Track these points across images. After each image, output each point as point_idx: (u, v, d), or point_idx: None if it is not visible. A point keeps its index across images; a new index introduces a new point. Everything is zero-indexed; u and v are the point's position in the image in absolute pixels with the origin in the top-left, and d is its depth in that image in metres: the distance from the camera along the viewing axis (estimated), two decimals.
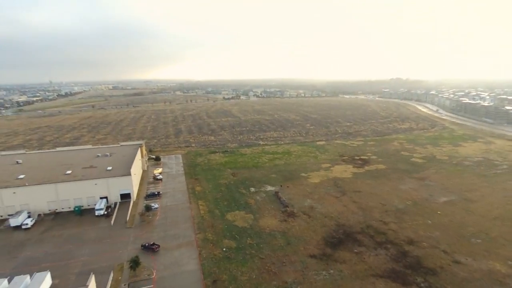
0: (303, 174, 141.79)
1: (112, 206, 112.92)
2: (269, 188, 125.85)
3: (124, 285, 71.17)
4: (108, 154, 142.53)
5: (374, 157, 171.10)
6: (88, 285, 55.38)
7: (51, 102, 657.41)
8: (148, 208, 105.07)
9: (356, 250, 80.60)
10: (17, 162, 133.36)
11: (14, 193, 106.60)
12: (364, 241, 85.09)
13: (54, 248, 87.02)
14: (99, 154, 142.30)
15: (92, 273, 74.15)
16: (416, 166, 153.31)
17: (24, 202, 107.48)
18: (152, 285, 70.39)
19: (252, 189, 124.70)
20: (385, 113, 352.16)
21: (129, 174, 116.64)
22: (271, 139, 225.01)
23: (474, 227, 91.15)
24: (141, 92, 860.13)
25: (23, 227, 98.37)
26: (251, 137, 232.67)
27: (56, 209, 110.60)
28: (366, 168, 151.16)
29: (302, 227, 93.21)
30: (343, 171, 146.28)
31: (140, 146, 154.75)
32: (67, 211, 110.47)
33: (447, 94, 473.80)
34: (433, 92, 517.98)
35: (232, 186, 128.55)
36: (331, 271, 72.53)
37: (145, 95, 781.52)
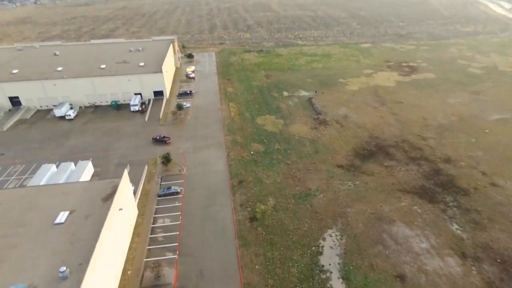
0: (341, 80, 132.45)
1: (146, 102, 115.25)
2: (303, 93, 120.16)
3: (158, 177, 76.45)
4: (140, 49, 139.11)
5: (424, 64, 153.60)
6: (121, 178, 59.31)
7: None
8: (180, 107, 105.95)
9: (386, 164, 78.24)
10: (54, 53, 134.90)
11: (54, 85, 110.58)
12: (397, 155, 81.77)
13: (95, 139, 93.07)
14: (132, 49, 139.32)
15: (128, 165, 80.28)
16: (472, 77, 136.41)
17: (65, 94, 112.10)
18: (182, 180, 74.92)
19: (285, 93, 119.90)
20: (448, 13, 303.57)
21: (161, 72, 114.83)
22: (311, 38, 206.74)
23: None
24: None
25: (67, 117, 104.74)
26: (290, 35, 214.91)
27: (95, 103, 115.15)
28: (413, 76, 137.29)
29: (332, 136, 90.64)
30: (386, 78, 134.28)
31: (172, 41, 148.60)
32: (105, 105, 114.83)
33: None
34: None
35: (264, 89, 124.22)
36: (357, 182, 72.05)
37: None
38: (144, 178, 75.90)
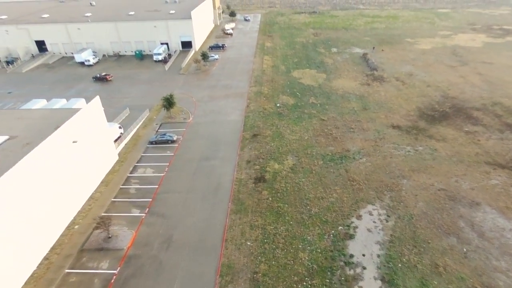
0: (408, 40, 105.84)
1: (173, 53, 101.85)
2: (357, 50, 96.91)
3: (156, 124, 61.82)
4: (176, 0, 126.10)
5: None
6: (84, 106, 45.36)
7: None
8: (204, 56, 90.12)
9: (467, 129, 54.25)
10: (90, 3, 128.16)
11: (78, 29, 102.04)
12: (485, 119, 56.93)
13: (106, 85, 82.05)
14: (168, 0, 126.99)
15: (127, 108, 67.02)
16: None
17: (89, 40, 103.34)
18: (184, 129, 59.30)
19: (334, 50, 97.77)
20: None
21: (190, 18, 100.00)
22: (376, 4, 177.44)
23: None
24: None
25: (86, 63, 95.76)
26: (350, 0, 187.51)
27: (120, 52, 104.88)
28: (508, 38, 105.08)
29: (389, 94, 67.91)
30: (470, 39, 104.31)
31: None
32: (130, 55, 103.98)
33: None
34: None
35: (309, 45, 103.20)
36: (420, 148, 49.76)
37: None
38: (140, 123, 61.84)
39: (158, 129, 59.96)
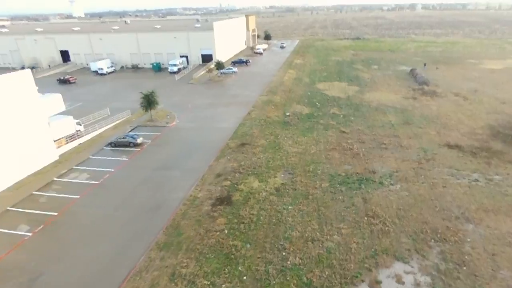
0: (471, 61, 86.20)
1: (190, 67, 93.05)
2: (403, 67, 79.64)
3: (130, 126, 49.60)
4: (208, 20, 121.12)
5: None
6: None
7: None
8: (219, 65, 79.26)
9: None
10: (125, 22, 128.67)
11: (100, 39, 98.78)
12: None
13: (107, 90, 74.48)
14: (199, 19, 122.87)
15: (107, 108, 56.31)
16: None
17: (110, 51, 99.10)
18: (159, 133, 46.08)
19: (375, 67, 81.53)
20: None
21: (212, 29, 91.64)
22: (431, 34, 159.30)
23: None
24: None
25: (99, 71, 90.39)
26: (401, 32, 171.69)
27: (138, 64, 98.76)
28: None
29: (445, 109, 49.32)
30: None
31: (248, 15, 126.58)
32: (148, 68, 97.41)
33: None
34: None
35: (345, 63, 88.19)
36: (496, 177, 30.48)
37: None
38: (113, 124, 50.13)
39: (130, 131, 47.46)
